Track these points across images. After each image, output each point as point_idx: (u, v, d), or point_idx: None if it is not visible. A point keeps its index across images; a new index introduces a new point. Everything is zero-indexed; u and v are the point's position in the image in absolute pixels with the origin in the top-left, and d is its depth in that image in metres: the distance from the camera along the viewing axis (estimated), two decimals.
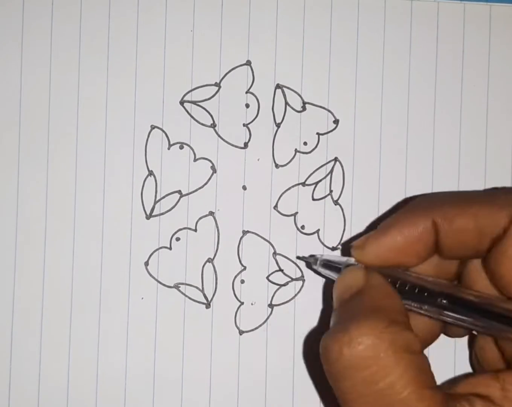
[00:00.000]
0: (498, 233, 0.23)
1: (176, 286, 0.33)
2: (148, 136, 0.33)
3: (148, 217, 0.33)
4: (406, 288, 0.25)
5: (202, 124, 0.33)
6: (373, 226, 0.33)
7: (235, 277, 0.33)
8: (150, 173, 0.33)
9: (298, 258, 0.33)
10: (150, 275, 0.33)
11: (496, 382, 0.22)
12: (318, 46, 0.34)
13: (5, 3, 0.33)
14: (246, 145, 0.33)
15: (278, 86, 0.33)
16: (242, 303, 0.33)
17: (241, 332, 0.33)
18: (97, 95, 0.33)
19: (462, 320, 0.24)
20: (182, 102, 0.33)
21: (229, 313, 0.33)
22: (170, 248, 0.33)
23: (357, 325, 0.22)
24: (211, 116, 0.33)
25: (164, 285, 0.33)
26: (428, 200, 0.26)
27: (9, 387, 0.32)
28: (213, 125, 0.33)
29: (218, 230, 0.33)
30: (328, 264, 0.28)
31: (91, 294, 0.32)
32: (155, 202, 0.33)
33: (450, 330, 0.28)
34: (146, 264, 0.33)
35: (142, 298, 0.33)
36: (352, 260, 0.27)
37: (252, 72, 0.33)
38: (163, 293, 0.33)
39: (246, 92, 0.33)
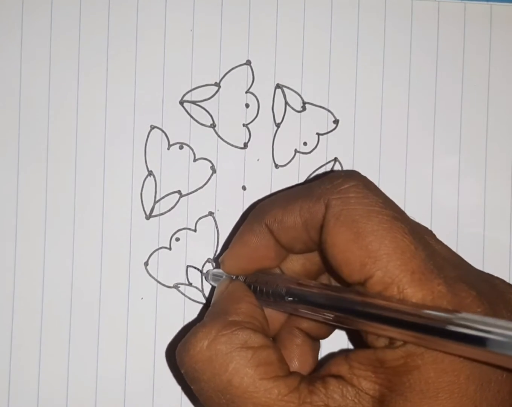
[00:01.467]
0: (320, 222, 0.25)
1: (176, 286, 0.33)
2: (148, 136, 0.33)
3: (148, 217, 0.33)
4: (264, 292, 0.27)
5: (202, 124, 0.33)
6: None
7: None
8: (150, 173, 0.33)
9: (203, 274, 0.33)
10: (150, 275, 0.33)
11: (345, 361, 0.24)
12: (318, 46, 0.34)
13: (4, 3, 0.33)
14: (246, 145, 0.33)
15: (278, 86, 0.33)
16: None
17: None
18: (97, 95, 0.33)
19: (312, 314, 0.26)
20: (181, 102, 0.33)
21: None
22: (170, 248, 0.33)
23: (194, 332, 0.25)
24: (211, 116, 0.33)
25: (163, 285, 0.33)
26: (261, 206, 0.28)
27: (9, 388, 0.32)
28: (213, 125, 0.33)
29: (217, 230, 0.33)
30: (216, 277, 0.30)
31: (91, 294, 0.32)
32: (155, 202, 0.33)
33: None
34: (146, 264, 0.33)
35: (142, 298, 0.33)
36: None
37: (252, 72, 0.33)
38: (162, 293, 0.33)
39: (246, 92, 0.33)
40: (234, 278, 0.29)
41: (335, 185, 0.25)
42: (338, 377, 0.24)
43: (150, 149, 0.33)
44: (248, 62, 0.33)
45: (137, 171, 0.33)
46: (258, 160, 0.33)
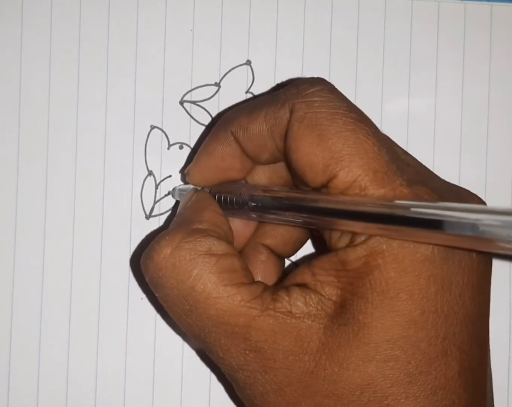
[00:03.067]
0: (285, 127, 0.25)
1: None
2: (148, 136, 0.33)
3: (148, 217, 0.33)
4: (229, 201, 0.27)
5: (202, 124, 0.33)
6: None
7: None
8: (150, 173, 0.33)
9: (167, 194, 0.33)
10: None
11: (308, 269, 0.24)
12: (318, 46, 0.34)
13: (4, 3, 0.33)
14: None
15: (278, 85, 0.33)
16: None
17: None
18: (97, 95, 0.33)
19: (277, 218, 0.26)
20: (181, 102, 0.33)
21: None
22: None
23: (158, 240, 0.25)
24: (211, 116, 0.33)
25: None
26: (226, 116, 0.28)
27: (8, 388, 0.32)
28: (213, 126, 0.33)
29: None
30: (182, 193, 0.30)
31: (91, 294, 0.32)
32: (155, 202, 0.33)
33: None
34: None
35: (142, 298, 0.33)
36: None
37: (252, 72, 0.33)
38: None
39: (246, 92, 0.33)
40: (199, 189, 0.28)
41: (300, 90, 0.25)
42: (301, 285, 0.24)
43: (150, 149, 0.33)
44: (248, 62, 0.33)
45: (137, 171, 0.33)
46: None
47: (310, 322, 0.23)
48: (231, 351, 0.24)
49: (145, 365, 0.32)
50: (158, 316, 0.32)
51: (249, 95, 0.33)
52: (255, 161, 0.27)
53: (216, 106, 0.33)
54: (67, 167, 0.32)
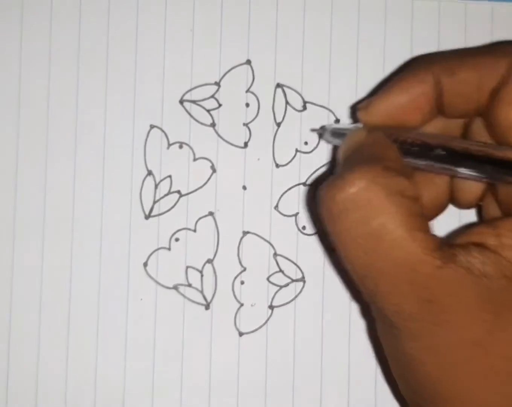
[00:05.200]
0: (497, 82, 0.24)
1: (176, 287, 0.32)
2: (147, 135, 0.33)
3: (147, 217, 0.33)
4: (407, 146, 0.25)
5: (202, 124, 0.33)
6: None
7: (235, 278, 0.33)
8: (149, 173, 0.33)
9: (312, 130, 0.32)
10: (149, 275, 0.32)
11: (491, 229, 0.23)
12: (318, 45, 0.33)
13: (4, 4, 0.32)
14: (246, 144, 0.33)
15: (278, 85, 0.33)
16: (242, 304, 0.33)
17: (241, 334, 0.32)
18: (96, 95, 0.33)
19: (461, 171, 0.24)
20: (181, 102, 0.33)
21: (229, 314, 0.32)
22: (169, 249, 0.33)
23: (351, 170, 0.23)
24: (211, 115, 0.33)
25: (163, 286, 0.32)
26: (429, 56, 0.27)
27: (7, 389, 0.32)
28: (213, 125, 0.33)
29: (218, 231, 0.33)
30: (337, 132, 0.28)
31: (90, 295, 0.32)
32: (154, 202, 0.33)
33: (458, 195, 0.28)
34: (145, 264, 0.32)
35: (141, 299, 0.32)
36: (359, 126, 0.27)
37: (252, 71, 0.33)
38: (162, 294, 0.32)
39: (246, 92, 0.33)
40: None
41: None
42: (480, 245, 0.23)
43: (150, 148, 0.33)
44: (248, 62, 0.33)
45: (137, 171, 0.33)
46: (258, 159, 0.33)
47: (487, 281, 0.22)
48: (407, 297, 0.23)
49: (145, 365, 0.32)
50: (158, 316, 0.32)
51: (249, 95, 0.33)
52: (444, 112, 0.26)
53: (216, 106, 0.33)
54: (66, 166, 0.32)
